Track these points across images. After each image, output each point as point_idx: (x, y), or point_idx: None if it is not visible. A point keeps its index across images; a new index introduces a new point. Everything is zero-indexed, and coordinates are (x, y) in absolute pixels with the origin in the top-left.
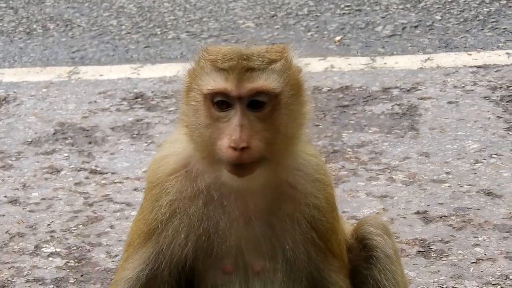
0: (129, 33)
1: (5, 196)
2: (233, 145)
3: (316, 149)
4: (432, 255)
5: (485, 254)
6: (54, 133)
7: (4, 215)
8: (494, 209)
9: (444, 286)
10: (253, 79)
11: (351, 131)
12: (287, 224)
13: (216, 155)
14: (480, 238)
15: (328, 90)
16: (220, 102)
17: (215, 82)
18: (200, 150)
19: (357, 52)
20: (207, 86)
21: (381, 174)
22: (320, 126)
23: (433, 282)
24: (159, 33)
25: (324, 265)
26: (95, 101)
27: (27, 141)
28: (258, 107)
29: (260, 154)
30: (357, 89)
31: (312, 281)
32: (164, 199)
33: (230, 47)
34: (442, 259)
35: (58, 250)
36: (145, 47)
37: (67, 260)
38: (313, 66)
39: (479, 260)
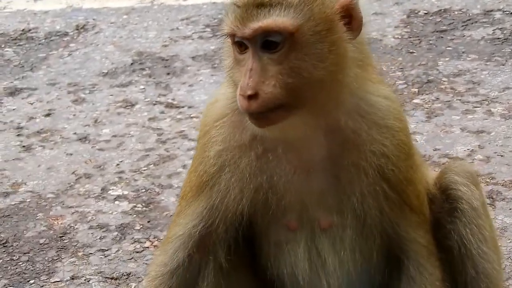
0: None
1: (75, 133)
2: (240, 92)
3: (390, 88)
4: None
5: None
6: (131, 64)
7: (72, 154)
8: None
9: None
10: (259, 17)
11: (447, 58)
12: (352, 174)
13: None
14: None
15: (425, 13)
16: (239, 43)
17: (228, 22)
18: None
19: None
20: (223, 26)
21: (478, 107)
22: (415, 53)
23: None
24: None
25: (399, 220)
26: (177, 28)
27: (103, 72)
28: (272, 48)
29: (274, 101)
30: (456, 12)
31: (387, 238)
32: (211, 150)
33: None
34: None
35: (125, 192)
36: None
37: (134, 204)
38: None
39: None
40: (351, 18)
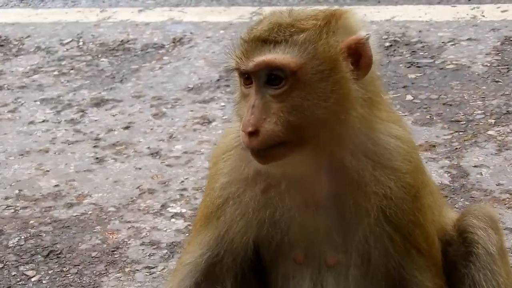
0: None
1: (148, 148)
2: (242, 129)
3: (404, 127)
4: None
5: None
6: (218, 80)
7: (140, 169)
8: None
9: None
10: (263, 52)
11: None
12: (356, 213)
13: None
14: None
15: None
16: (246, 77)
17: (234, 56)
18: None
19: None
20: (229, 60)
21: None
22: (500, 83)
23: None
24: None
25: (406, 262)
26: None
27: (188, 87)
28: (275, 84)
29: (274, 139)
30: None
31: (393, 280)
32: (218, 182)
33: (277, 13)
34: None
35: (183, 210)
36: None
37: (189, 223)
38: (510, 13)
39: None
40: (360, 56)
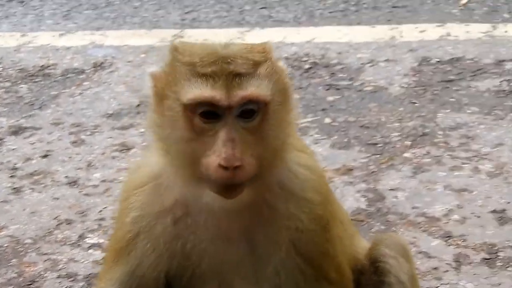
0: None
1: (66, 177)
2: (225, 164)
3: (312, 156)
4: (498, 264)
5: None
6: (137, 105)
7: (58, 198)
8: None
9: None
10: (243, 86)
11: (448, 110)
12: (268, 247)
13: (198, 174)
14: None
15: (437, 61)
16: (205, 112)
17: (200, 90)
18: (177, 167)
19: (480, 18)
20: (188, 95)
21: (466, 163)
22: (416, 104)
23: None
24: None
25: None
26: None
27: (108, 114)
28: (248, 117)
29: (253, 172)
30: (468, 61)
31: None
32: (129, 216)
33: (205, 46)
34: (508, 269)
35: (101, 241)
36: (261, 8)
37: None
38: (428, 34)
39: None
40: None
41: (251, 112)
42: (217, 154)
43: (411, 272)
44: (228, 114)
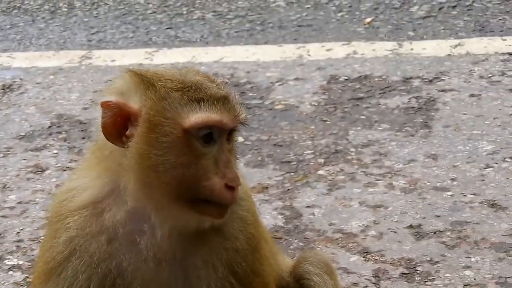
0: (154, 12)
1: None
2: (233, 184)
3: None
4: (416, 279)
5: (475, 279)
6: (49, 126)
7: None
8: (495, 223)
9: None
10: (237, 109)
11: (359, 127)
12: (201, 270)
13: (194, 197)
14: (472, 259)
15: (345, 79)
16: (205, 136)
17: (206, 114)
18: (163, 193)
19: (385, 36)
20: (192, 119)
21: (380, 180)
22: (328, 122)
23: None
24: (185, 12)
25: None
26: (101, 90)
27: (20, 135)
28: (229, 140)
29: None
30: (376, 79)
31: None
32: (63, 236)
33: (173, 73)
34: (427, 283)
35: (20, 262)
36: (167, 28)
37: (27, 275)
38: (334, 52)
39: (466, 286)
40: None
41: (231, 134)
42: (220, 176)
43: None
44: (222, 137)
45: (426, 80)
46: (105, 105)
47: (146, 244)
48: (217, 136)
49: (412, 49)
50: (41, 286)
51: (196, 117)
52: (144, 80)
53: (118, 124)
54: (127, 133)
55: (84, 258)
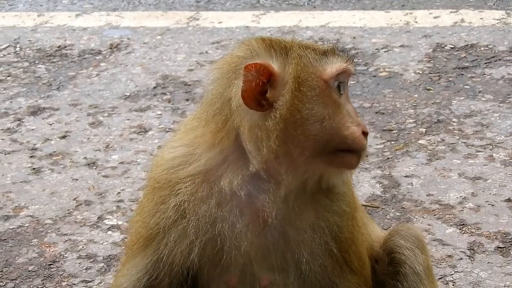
0: None
1: (85, 158)
2: (367, 130)
3: None
4: (511, 253)
5: None
6: (154, 87)
7: (77, 180)
8: None
9: None
10: (353, 57)
11: (462, 97)
12: (306, 233)
13: (334, 148)
14: None
15: (451, 48)
16: (338, 87)
17: (337, 64)
18: (310, 145)
19: (494, 5)
20: (328, 70)
21: (481, 151)
22: (431, 91)
23: (504, 286)
24: None
25: (339, 280)
26: (206, 52)
27: (125, 95)
28: None
29: None
30: (482, 48)
31: None
32: (172, 201)
33: (285, 39)
34: None
35: (119, 223)
36: None
37: (126, 236)
38: (442, 19)
39: None
40: None
41: None
42: (356, 124)
43: (427, 263)
44: (346, 87)
45: None
46: (251, 67)
47: (261, 206)
48: (343, 87)
49: None
50: (139, 250)
51: (331, 67)
52: (275, 43)
53: (259, 87)
54: (267, 95)
55: (192, 221)
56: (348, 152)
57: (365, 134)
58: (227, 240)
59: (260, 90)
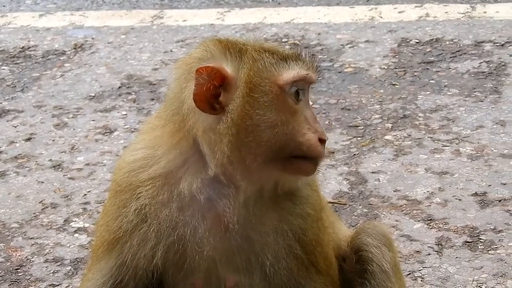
0: None
1: (50, 160)
2: (324, 137)
3: None
4: (479, 247)
5: None
6: (119, 87)
7: (43, 182)
8: None
9: (483, 286)
10: (319, 63)
11: (428, 92)
12: (270, 237)
13: (288, 154)
14: None
15: (416, 42)
16: (295, 93)
17: (296, 70)
18: (263, 152)
19: None
20: (285, 76)
21: (447, 146)
22: (397, 86)
23: (472, 281)
24: None
25: (305, 281)
26: (171, 51)
27: (90, 96)
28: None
29: None
30: (447, 42)
31: None
32: (133, 205)
33: (247, 40)
34: (490, 252)
35: (86, 225)
36: None
37: (92, 238)
38: (406, 14)
39: None
40: None
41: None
42: (313, 131)
43: (394, 260)
44: (306, 93)
45: (498, 44)
46: (202, 71)
47: (222, 211)
48: (302, 93)
49: (485, 12)
50: (104, 254)
51: (288, 73)
52: (231, 45)
53: (211, 90)
54: (220, 99)
55: (153, 225)
56: (304, 159)
57: (322, 141)
58: (189, 244)
59: (212, 93)
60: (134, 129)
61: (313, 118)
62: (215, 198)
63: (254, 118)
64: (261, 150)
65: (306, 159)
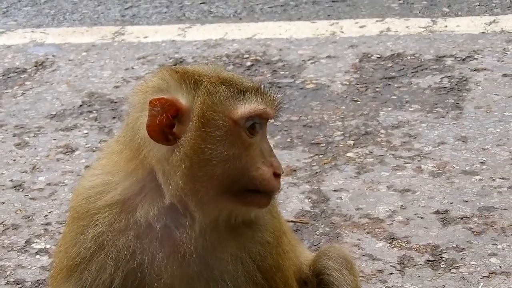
0: None
1: (11, 180)
2: (279, 172)
3: None
4: (441, 266)
5: (500, 267)
6: (80, 105)
7: (4, 203)
8: None
9: None
10: (280, 99)
11: (390, 108)
12: (229, 264)
13: (242, 188)
14: (499, 246)
15: (378, 57)
16: (250, 127)
17: (252, 105)
18: (211, 186)
19: (419, 12)
20: (240, 110)
21: (409, 163)
22: (358, 102)
23: None
24: None
25: None
26: (132, 68)
27: (51, 115)
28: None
29: None
30: (408, 57)
31: None
32: (90, 232)
33: (206, 69)
34: (452, 271)
35: (48, 246)
36: (201, 3)
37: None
38: (368, 29)
39: (491, 274)
40: None
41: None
42: (268, 165)
43: (355, 283)
44: (264, 127)
45: (459, 58)
46: (156, 102)
47: (179, 239)
48: (259, 126)
49: (446, 26)
50: (63, 280)
51: (244, 108)
52: (187, 76)
53: (165, 122)
54: (174, 130)
55: (111, 253)
56: (257, 193)
57: (277, 175)
58: (147, 272)
59: (167, 123)
60: (96, 148)
61: (269, 151)
62: (172, 227)
63: (206, 153)
64: (214, 183)
65: (260, 193)
